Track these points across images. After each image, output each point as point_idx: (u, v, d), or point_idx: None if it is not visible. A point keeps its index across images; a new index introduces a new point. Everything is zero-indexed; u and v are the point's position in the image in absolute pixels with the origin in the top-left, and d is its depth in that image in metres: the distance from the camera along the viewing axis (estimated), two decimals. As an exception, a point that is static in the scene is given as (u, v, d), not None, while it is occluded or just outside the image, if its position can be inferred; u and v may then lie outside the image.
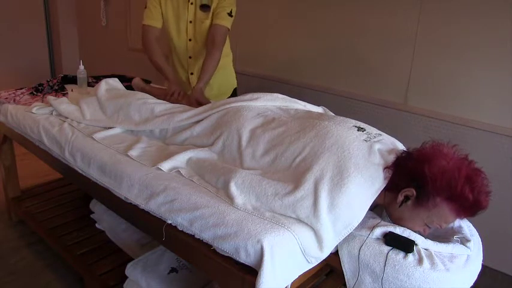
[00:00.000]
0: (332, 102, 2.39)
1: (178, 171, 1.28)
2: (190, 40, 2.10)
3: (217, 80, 2.21)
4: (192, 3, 2.01)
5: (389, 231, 1.07)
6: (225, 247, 1.01)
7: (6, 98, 2.05)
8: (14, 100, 2.04)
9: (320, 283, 1.44)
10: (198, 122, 1.46)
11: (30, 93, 2.15)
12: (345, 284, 1.09)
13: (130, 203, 1.28)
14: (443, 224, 1.10)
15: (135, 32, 3.59)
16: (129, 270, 1.52)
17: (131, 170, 1.32)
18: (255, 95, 1.48)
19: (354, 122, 1.28)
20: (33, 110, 1.82)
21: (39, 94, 2.15)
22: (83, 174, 1.49)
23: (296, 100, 1.51)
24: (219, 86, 2.25)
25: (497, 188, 1.20)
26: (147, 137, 1.56)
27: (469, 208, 1.05)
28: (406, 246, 1.03)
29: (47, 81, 2.27)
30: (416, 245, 1.04)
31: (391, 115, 2.20)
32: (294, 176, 1.12)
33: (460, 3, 1.89)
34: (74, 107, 1.78)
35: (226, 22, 2.01)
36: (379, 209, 1.23)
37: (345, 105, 2.37)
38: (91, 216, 2.03)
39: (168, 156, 1.34)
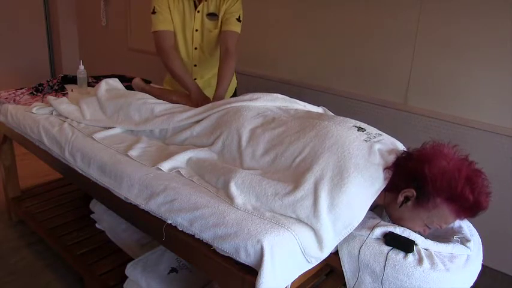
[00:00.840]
0: (332, 102, 2.39)
1: (178, 171, 1.28)
2: (196, 49, 2.07)
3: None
4: (198, 12, 1.97)
5: (389, 231, 1.07)
6: (225, 247, 1.01)
7: (6, 98, 2.05)
8: (14, 100, 2.04)
9: (320, 283, 1.44)
10: (197, 122, 1.46)
11: (30, 93, 2.15)
12: (345, 284, 1.09)
13: (131, 203, 1.28)
14: (443, 224, 1.10)
15: (135, 32, 3.59)
16: (129, 270, 1.52)
17: (131, 170, 1.32)
18: (255, 95, 1.48)
19: (354, 122, 1.28)
20: (33, 110, 1.82)
21: (39, 94, 2.15)
22: (83, 174, 1.49)
23: (296, 100, 1.51)
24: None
25: (497, 188, 1.20)
26: (147, 137, 1.56)
27: (469, 209, 1.05)
28: (406, 246, 1.03)
29: (47, 81, 2.27)
30: (416, 245, 1.04)
31: (391, 115, 2.20)
32: (294, 176, 1.12)
33: (460, 3, 1.89)
34: (74, 107, 1.78)
35: (237, 28, 2.00)
36: (379, 209, 1.23)
37: (345, 105, 2.37)
38: (91, 216, 2.03)
39: (168, 156, 1.34)
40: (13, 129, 1.92)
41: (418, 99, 2.11)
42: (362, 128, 1.24)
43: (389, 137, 1.29)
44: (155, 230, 1.20)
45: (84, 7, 4.12)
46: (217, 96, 1.86)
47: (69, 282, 1.88)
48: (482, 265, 1.12)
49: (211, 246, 1.05)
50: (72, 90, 2.10)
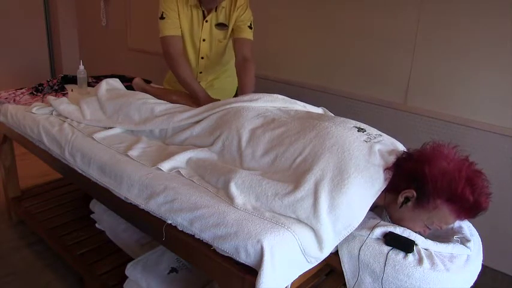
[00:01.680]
0: (332, 102, 2.39)
1: (178, 171, 1.28)
2: (202, 58, 2.06)
3: (222, 82, 2.21)
4: (207, 21, 1.95)
5: (390, 231, 1.07)
6: (225, 247, 1.01)
7: (6, 98, 2.05)
8: (14, 100, 2.04)
9: (320, 283, 1.44)
10: (197, 122, 1.46)
11: (30, 93, 2.15)
12: (345, 284, 1.09)
13: (131, 203, 1.28)
14: (443, 225, 1.10)
15: (135, 32, 3.59)
16: (129, 270, 1.52)
17: (131, 170, 1.32)
18: (255, 95, 1.48)
19: (354, 122, 1.28)
20: (33, 110, 1.82)
21: (39, 94, 2.15)
22: (83, 174, 1.49)
23: (296, 101, 1.51)
24: (223, 88, 2.24)
25: (497, 188, 1.20)
26: (147, 137, 1.56)
27: (469, 209, 1.05)
28: (406, 246, 1.03)
29: (47, 81, 2.27)
30: (416, 245, 1.04)
31: (391, 115, 2.20)
32: (294, 177, 1.12)
33: (460, 3, 1.89)
34: (74, 107, 1.78)
35: (250, 35, 1.98)
36: (380, 209, 1.23)
37: (345, 105, 2.37)
38: (91, 216, 2.03)
39: (168, 156, 1.34)
40: (13, 129, 1.92)
41: (418, 99, 2.11)
42: (362, 129, 1.24)
43: (390, 137, 1.29)
44: (155, 230, 1.20)
45: (84, 7, 4.12)
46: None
47: (69, 282, 1.88)
48: (482, 265, 1.12)
49: (211, 246, 1.05)
50: (72, 90, 2.10)
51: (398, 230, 1.07)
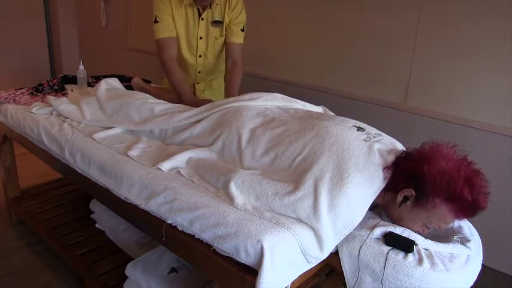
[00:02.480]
0: (332, 102, 2.39)
1: (178, 171, 1.28)
2: (200, 56, 2.07)
3: (220, 82, 2.21)
4: (202, 19, 1.96)
5: (389, 231, 1.07)
6: (225, 247, 1.01)
7: (6, 98, 2.05)
8: (14, 100, 2.04)
9: (320, 283, 1.44)
10: (197, 121, 1.46)
11: (30, 93, 2.15)
12: (345, 284, 1.09)
13: (131, 203, 1.28)
14: (442, 224, 1.10)
15: (135, 32, 3.59)
16: (129, 270, 1.52)
17: (131, 170, 1.32)
18: (255, 94, 1.48)
19: (353, 122, 1.28)
20: (33, 110, 1.82)
21: (39, 94, 2.15)
22: (83, 174, 1.49)
23: (295, 100, 1.51)
24: (222, 89, 2.24)
25: (497, 188, 1.20)
26: (146, 137, 1.56)
27: (468, 209, 1.05)
28: (406, 246, 1.03)
29: (47, 81, 2.27)
30: (416, 245, 1.04)
31: (391, 115, 2.20)
32: (294, 176, 1.12)
33: (460, 3, 1.89)
34: (73, 107, 1.78)
35: (241, 39, 2.03)
36: (379, 209, 1.23)
37: (345, 105, 2.37)
38: (91, 216, 2.03)
39: (168, 156, 1.34)
40: (13, 129, 1.92)
41: (418, 99, 2.11)
42: (362, 128, 1.24)
43: (389, 137, 1.29)
44: (155, 230, 1.20)
45: (84, 7, 4.12)
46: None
47: (69, 282, 1.88)
48: (482, 265, 1.12)
49: (211, 246, 1.05)
50: (72, 90, 2.10)
51: (398, 230, 1.07)
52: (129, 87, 2.07)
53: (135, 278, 1.50)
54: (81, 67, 2.06)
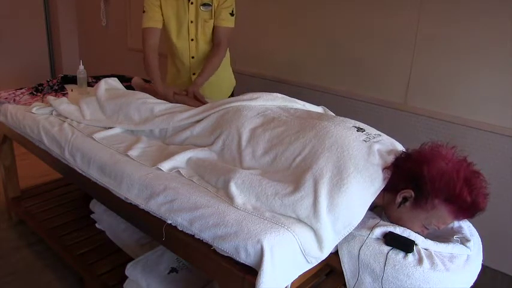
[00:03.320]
0: (332, 102, 2.39)
1: (178, 171, 1.28)
2: (192, 40, 2.10)
3: (218, 78, 2.21)
4: (192, 3, 2.01)
5: (389, 231, 1.07)
6: (225, 247, 1.01)
7: (6, 98, 2.05)
8: (14, 100, 2.04)
9: (320, 283, 1.44)
10: (197, 121, 1.46)
11: (30, 93, 2.15)
12: (345, 284, 1.09)
13: (130, 203, 1.28)
14: (441, 225, 1.10)
15: (134, 32, 3.59)
16: (129, 270, 1.52)
17: (131, 170, 1.32)
18: (255, 94, 1.48)
19: (353, 122, 1.28)
20: (33, 110, 1.82)
21: (39, 94, 2.15)
22: (83, 174, 1.49)
23: (295, 100, 1.51)
24: (220, 85, 2.25)
25: (497, 188, 1.21)
26: (146, 137, 1.56)
27: (467, 210, 1.05)
28: (406, 246, 1.03)
29: (47, 81, 2.28)
30: (416, 245, 1.04)
31: (391, 115, 2.20)
32: (294, 176, 1.12)
33: (460, 3, 1.89)
34: (73, 107, 1.78)
35: (230, 22, 2.05)
36: (379, 209, 1.23)
37: (345, 105, 2.37)
38: (91, 216, 2.03)
39: (168, 156, 1.34)
40: (13, 129, 1.92)
41: (418, 99, 2.11)
42: (361, 129, 1.24)
43: (389, 137, 1.29)
44: (155, 230, 1.20)
45: (84, 7, 4.12)
46: (194, 84, 1.97)
47: (69, 282, 1.88)
48: (482, 265, 1.12)
49: (211, 246, 1.05)
50: (72, 90, 2.10)
51: (398, 230, 1.07)
52: (129, 87, 2.07)
53: (135, 278, 1.50)
54: (81, 67, 2.06)
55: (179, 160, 1.32)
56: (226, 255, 1.02)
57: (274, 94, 1.49)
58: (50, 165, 1.78)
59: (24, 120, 1.81)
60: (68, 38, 4.21)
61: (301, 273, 1.05)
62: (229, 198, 1.11)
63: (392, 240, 1.05)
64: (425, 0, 1.98)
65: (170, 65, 2.26)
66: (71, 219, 2.12)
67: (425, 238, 1.08)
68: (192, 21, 2.05)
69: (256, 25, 2.71)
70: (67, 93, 2.15)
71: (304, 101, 1.54)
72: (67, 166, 1.57)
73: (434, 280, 0.99)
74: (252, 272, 0.97)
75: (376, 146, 1.17)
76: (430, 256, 1.03)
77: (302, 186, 1.06)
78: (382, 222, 1.12)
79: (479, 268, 1.10)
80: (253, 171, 1.18)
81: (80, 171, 1.50)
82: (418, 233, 1.09)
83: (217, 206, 1.09)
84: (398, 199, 1.11)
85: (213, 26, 2.06)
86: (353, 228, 1.05)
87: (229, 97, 2.29)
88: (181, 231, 1.13)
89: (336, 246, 1.08)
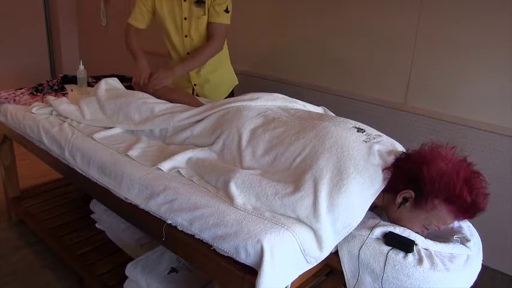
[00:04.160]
0: (332, 102, 2.39)
1: (178, 171, 1.28)
2: (186, 36, 2.11)
3: (217, 76, 2.21)
4: (185, 0, 2.02)
5: (389, 231, 1.07)
6: (225, 247, 1.01)
7: (6, 98, 2.05)
8: (14, 100, 2.04)
9: (320, 283, 1.44)
10: (198, 121, 1.46)
11: (30, 93, 2.15)
12: (345, 284, 1.09)
13: (131, 203, 1.28)
14: (441, 225, 1.10)
15: (135, 32, 3.58)
16: (129, 270, 1.52)
17: (131, 170, 1.32)
18: (255, 94, 1.48)
19: (353, 122, 1.28)
20: (33, 110, 1.82)
21: (39, 94, 2.15)
22: (83, 174, 1.49)
23: (296, 100, 1.51)
24: (218, 83, 2.25)
25: (497, 188, 1.21)
26: (147, 137, 1.56)
27: (468, 210, 1.06)
28: (406, 246, 1.03)
29: (47, 81, 2.28)
30: (416, 244, 1.04)
31: (391, 115, 2.20)
32: (294, 176, 1.12)
33: (460, 3, 1.89)
34: (73, 107, 1.78)
35: (224, 19, 2.04)
36: (379, 209, 1.23)
37: (345, 105, 2.37)
38: (91, 216, 2.03)
39: (168, 156, 1.34)
40: (13, 129, 1.92)
41: (418, 99, 2.11)
42: (362, 129, 1.24)
43: (389, 137, 1.29)
44: (155, 230, 1.20)
45: (84, 7, 4.12)
46: (169, 66, 2.00)
47: (69, 282, 1.88)
48: (482, 265, 1.12)
49: (211, 246, 1.05)
50: (72, 90, 2.10)
51: (398, 230, 1.07)
52: (129, 87, 2.07)
53: (135, 278, 1.50)
54: (81, 67, 2.07)
55: (179, 160, 1.32)
56: (226, 255, 1.02)
57: (275, 94, 1.49)
58: (50, 165, 1.78)
59: (24, 120, 1.81)
60: (68, 38, 4.21)
61: (301, 273, 1.05)
62: (229, 198, 1.11)
63: (392, 240, 1.05)
64: (425, 0, 1.98)
65: (170, 59, 2.28)
66: (71, 219, 2.12)
67: (425, 238, 1.08)
68: (185, 18, 2.06)
69: (257, 25, 2.71)
70: (67, 93, 2.15)
71: (304, 101, 1.54)
72: (67, 166, 1.57)
73: (434, 280, 0.99)
74: (252, 272, 0.97)
75: (376, 147, 1.17)
76: (430, 256, 1.03)
77: (302, 186, 1.06)
78: (382, 222, 1.12)
79: (479, 268, 1.10)
80: (253, 172, 1.19)
81: (80, 171, 1.50)
82: (418, 233, 1.09)
83: (217, 206, 1.09)
84: (399, 200, 1.11)
85: (207, 23, 2.07)
86: (353, 228, 1.05)
87: (228, 96, 2.30)
88: (181, 231, 1.13)
89: (336, 246, 1.08)
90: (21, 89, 2.21)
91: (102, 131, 1.60)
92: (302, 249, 1.01)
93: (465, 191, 1.03)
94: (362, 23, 2.23)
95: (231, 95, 2.33)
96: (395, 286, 1.00)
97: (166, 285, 1.46)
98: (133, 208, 1.27)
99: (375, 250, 1.04)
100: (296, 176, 1.12)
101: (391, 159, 1.16)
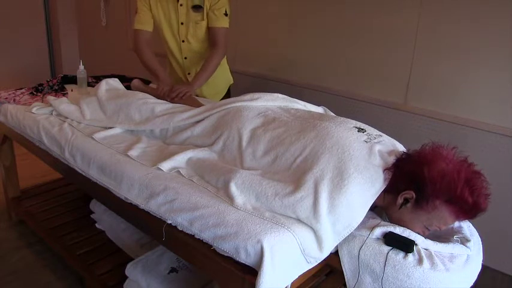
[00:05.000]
0: (332, 102, 2.39)
1: (178, 171, 1.28)
2: (183, 41, 2.10)
3: (214, 77, 2.21)
4: (181, 5, 2.01)
5: (389, 231, 1.07)
6: (225, 247, 1.01)
7: (6, 98, 2.05)
8: (14, 100, 2.04)
9: (320, 283, 1.44)
10: (198, 121, 1.46)
11: (30, 93, 2.15)
12: (345, 284, 1.09)
13: (131, 203, 1.28)
14: (442, 226, 1.10)
15: (135, 32, 3.58)
16: (129, 270, 1.52)
17: (131, 170, 1.32)
18: (256, 95, 1.48)
19: (354, 122, 1.28)
20: (33, 110, 1.82)
21: (39, 94, 2.15)
22: (83, 174, 1.48)
23: (296, 100, 1.51)
24: (216, 84, 2.25)
25: (497, 188, 1.20)
26: (147, 137, 1.56)
27: (469, 211, 1.05)
28: (406, 246, 1.03)
29: (47, 81, 2.28)
30: (416, 245, 1.04)
31: (391, 115, 2.20)
32: (294, 177, 1.12)
33: (460, 4, 1.89)
34: (73, 107, 1.78)
35: (224, 23, 2.04)
36: (380, 209, 1.23)
37: (345, 105, 2.37)
38: (91, 216, 2.03)
39: (168, 156, 1.34)
40: (13, 129, 1.92)
41: (418, 99, 2.11)
42: (362, 129, 1.24)
43: (390, 138, 1.29)
44: (155, 230, 1.20)
45: (84, 7, 4.12)
46: (191, 85, 1.96)
47: (69, 282, 1.88)
48: (482, 265, 1.12)
49: (211, 246, 1.05)
50: (72, 90, 2.10)
51: (398, 230, 1.07)
52: (129, 88, 2.07)
53: (135, 278, 1.50)
54: (81, 67, 2.07)
55: (179, 160, 1.32)
56: (226, 255, 1.02)
57: (275, 94, 1.49)
58: (50, 165, 1.78)
59: (24, 120, 1.81)
60: (68, 38, 4.21)
61: (301, 273, 1.05)
62: (229, 199, 1.11)
63: (392, 240, 1.05)
64: (425, 0, 1.98)
65: (168, 63, 2.28)
66: (71, 219, 2.12)
67: (425, 238, 1.08)
68: (182, 23, 2.05)
69: (256, 25, 2.71)
70: (67, 93, 2.15)
71: (304, 101, 1.54)
72: (67, 166, 1.57)
73: (434, 280, 0.99)
74: (252, 272, 0.97)
75: (377, 147, 1.17)
76: (430, 256, 1.03)
77: (302, 186, 1.06)
78: (382, 222, 1.12)
79: (479, 268, 1.10)
80: (253, 172, 1.18)
81: (80, 171, 1.50)
82: (419, 234, 1.09)
83: (217, 206, 1.09)
84: (400, 200, 1.11)
85: (207, 27, 2.06)
86: (353, 229, 1.05)
87: (225, 95, 2.30)
88: (181, 231, 1.13)
89: (336, 246, 1.08)
90: (21, 89, 2.21)
91: (102, 131, 1.60)
92: (302, 249, 1.01)
93: (466, 191, 1.03)
94: (362, 22, 2.23)
95: (228, 94, 2.34)
96: (395, 286, 1.00)
97: (166, 285, 1.46)
98: (134, 208, 1.27)
99: (375, 250, 1.04)
100: (296, 176, 1.12)
101: (391, 159, 1.16)
